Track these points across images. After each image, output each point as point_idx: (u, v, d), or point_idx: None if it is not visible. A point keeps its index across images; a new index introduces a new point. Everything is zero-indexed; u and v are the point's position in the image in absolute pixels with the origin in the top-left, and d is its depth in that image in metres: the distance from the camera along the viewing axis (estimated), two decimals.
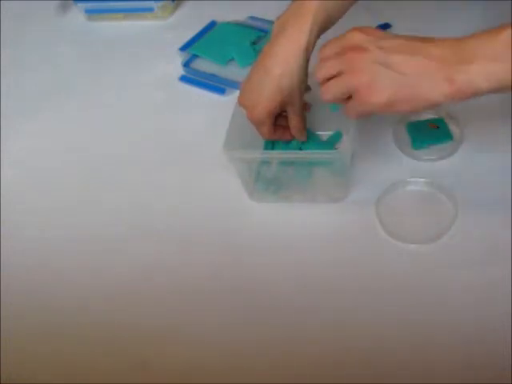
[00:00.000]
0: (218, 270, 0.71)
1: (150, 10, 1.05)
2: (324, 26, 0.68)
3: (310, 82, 0.72)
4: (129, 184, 0.82)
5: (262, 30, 1.00)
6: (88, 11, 1.06)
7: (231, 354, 0.65)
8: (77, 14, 1.08)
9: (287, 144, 0.78)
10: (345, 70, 0.61)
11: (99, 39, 1.04)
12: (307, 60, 0.68)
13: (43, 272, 0.74)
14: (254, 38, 0.98)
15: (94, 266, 0.74)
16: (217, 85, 0.93)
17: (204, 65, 0.97)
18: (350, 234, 0.72)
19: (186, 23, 1.05)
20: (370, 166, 0.78)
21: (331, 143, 0.80)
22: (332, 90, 0.62)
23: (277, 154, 0.78)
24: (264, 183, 0.78)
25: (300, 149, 0.78)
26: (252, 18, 1.03)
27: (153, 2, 1.04)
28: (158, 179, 0.82)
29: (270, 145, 0.79)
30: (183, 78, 0.96)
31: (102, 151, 0.87)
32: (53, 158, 0.87)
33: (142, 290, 0.71)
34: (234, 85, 0.91)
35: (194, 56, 0.98)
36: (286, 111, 0.72)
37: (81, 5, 1.06)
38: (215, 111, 0.87)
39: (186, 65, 0.97)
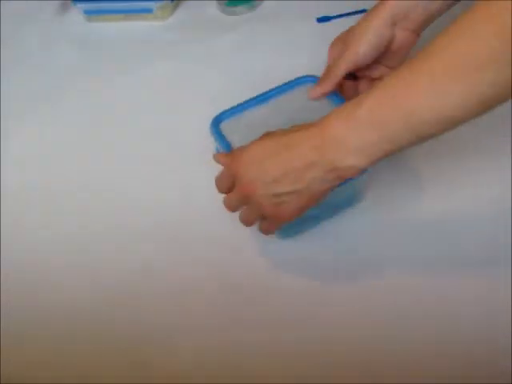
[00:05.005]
0: (217, 270, 0.72)
1: (149, 10, 1.05)
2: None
3: None
4: (128, 184, 0.82)
5: None
6: (87, 12, 1.06)
7: (231, 354, 0.65)
8: (76, 15, 1.08)
9: None
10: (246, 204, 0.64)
11: (99, 40, 1.04)
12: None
13: (43, 272, 0.74)
14: None
15: (93, 266, 0.74)
16: None
17: None
18: (350, 233, 0.72)
19: (186, 23, 1.05)
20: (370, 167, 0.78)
21: None
22: (248, 219, 0.66)
23: None
24: None
25: None
26: None
27: (152, 2, 1.04)
28: (157, 179, 0.82)
29: None
30: None
31: (101, 151, 0.87)
32: (52, 157, 0.87)
33: (142, 289, 0.71)
34: None
35: None
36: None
37: (80, 5, 1.05)
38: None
39: None
